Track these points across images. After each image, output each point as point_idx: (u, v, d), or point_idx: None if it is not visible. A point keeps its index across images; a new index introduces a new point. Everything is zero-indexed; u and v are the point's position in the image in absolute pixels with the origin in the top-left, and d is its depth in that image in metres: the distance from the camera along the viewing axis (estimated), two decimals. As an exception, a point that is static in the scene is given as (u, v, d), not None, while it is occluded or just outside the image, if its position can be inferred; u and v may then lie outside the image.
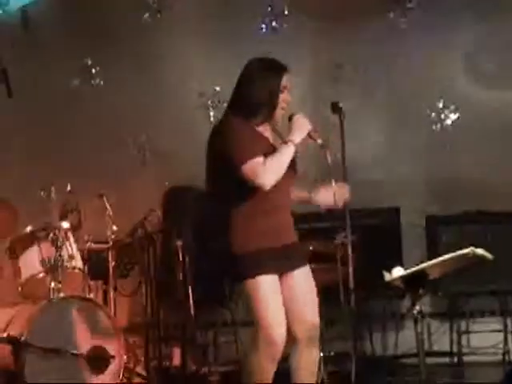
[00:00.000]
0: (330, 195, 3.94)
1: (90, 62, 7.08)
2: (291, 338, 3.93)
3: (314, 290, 4.01)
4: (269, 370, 3.87)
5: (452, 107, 6.89)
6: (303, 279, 3.97)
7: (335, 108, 4.07)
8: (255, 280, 3.81)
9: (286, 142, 3.89)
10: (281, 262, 3.89)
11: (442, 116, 6.91)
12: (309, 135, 3.94)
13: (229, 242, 3.88)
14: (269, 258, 3.84)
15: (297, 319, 3.93)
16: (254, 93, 3.90)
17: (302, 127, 3.91)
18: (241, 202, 3.86)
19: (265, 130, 4.00)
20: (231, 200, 3.89)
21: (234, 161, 3.80)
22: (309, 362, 3.98)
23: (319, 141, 3.96)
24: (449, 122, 6.91)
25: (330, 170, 3.90)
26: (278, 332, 3.83)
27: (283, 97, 3.94)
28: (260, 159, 3.80)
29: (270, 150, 3.87)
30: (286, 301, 3.91)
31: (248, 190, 3.83)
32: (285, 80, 3.94)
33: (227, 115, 3.97)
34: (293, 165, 3.98)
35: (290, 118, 3.96)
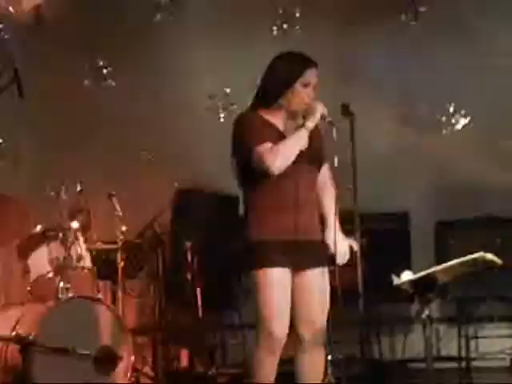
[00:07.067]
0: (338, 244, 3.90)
1: (101, 63, 7.10)
2: (297, 339, 3.92)
3: (326, 293, 3.93)
4: (268, 365, 3.83)
5: (462, 111, 6.87)
6: (316, 280, 3.90)
7: (345, 110, 4.04)
8: (261, 271, 3.79)
9: (299, 128, 3.86)
10: (292, 257, 3.82)
11: (453, 120, 6.89)
12: (322, 117, 3.89)
13: (243, 232, 3.88)
14: (278, 251, 3.80)
15: (303, 320, 3.90)
16: (271, 81, 3.89)
17: (315, 111, 3.87)
18: (257, 194, 3.87)
19: (280, 121, 3.93)
20: (249, 190, 3.90)
21: (243, 148, 3.83)
22: (314, 364, 3.95)
23: (329, 119, 3.89)
24: (459, 126, 6.89)
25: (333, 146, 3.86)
26: (278, 325, 3.79)
27: (307, 92, 3.89)
28: (268, 145, 3.80)
29: (280, 139, 3.84)
30: (294, 300, 3.88)
31: (265, 182, 3.82)
32: (309, 74, 3.90)
33: (248, 108, 3.97)
34: (315, 160, 3.94)
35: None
